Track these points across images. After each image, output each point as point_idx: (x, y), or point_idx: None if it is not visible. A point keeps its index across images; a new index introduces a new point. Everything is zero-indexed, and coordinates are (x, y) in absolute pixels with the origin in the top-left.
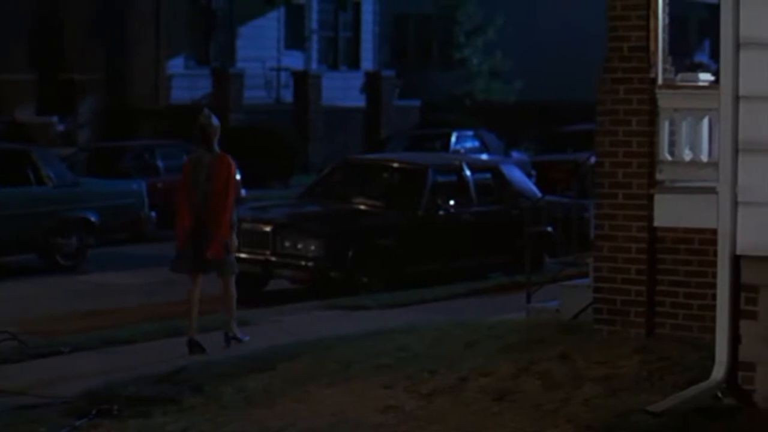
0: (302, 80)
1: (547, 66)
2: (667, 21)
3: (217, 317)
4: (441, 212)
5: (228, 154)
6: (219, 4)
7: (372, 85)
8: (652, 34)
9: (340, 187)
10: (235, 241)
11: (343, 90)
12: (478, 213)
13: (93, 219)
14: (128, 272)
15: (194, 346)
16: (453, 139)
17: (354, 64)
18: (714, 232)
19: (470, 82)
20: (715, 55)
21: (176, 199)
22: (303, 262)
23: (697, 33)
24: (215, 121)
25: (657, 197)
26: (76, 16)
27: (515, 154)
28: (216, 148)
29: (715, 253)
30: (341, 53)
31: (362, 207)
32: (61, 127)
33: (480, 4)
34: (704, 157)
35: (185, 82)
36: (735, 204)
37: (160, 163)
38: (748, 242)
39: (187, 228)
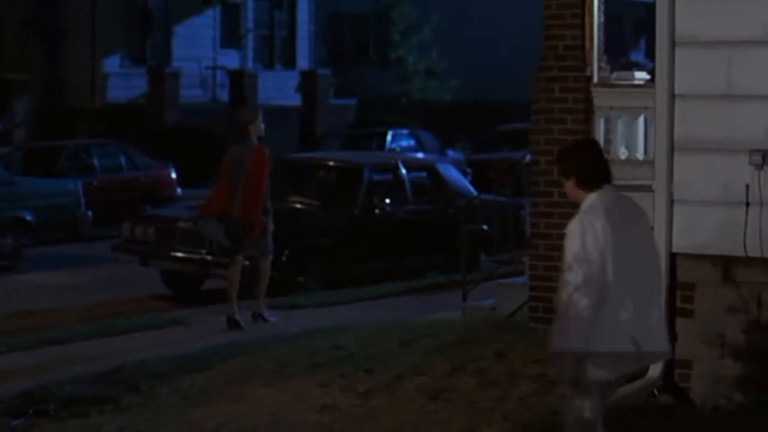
0: (238, 79)
1: (482, 65)
2: (602, 19)
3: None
4: (377, 211)
5: (264, 147)
6: (155, 3)
7: (308, 83)
8: (587, 33)
9: (277, 185)
10: (271, 226)
11: (279, 89)
12: (414, 212)
13: (29, 218)
14: (64, 272)
15: (233, 324)
16: (389, 137)
17: (290, 62)
18: None
19: (406, 81)
20: (650, 54)
21: (216, 185)
22: None
23: (633, 32)
24: (261, 120)
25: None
26: (11, 15)
27: (451, 153)
28: (254, 141)
29: None
30: (277, 52)
31: (298, 206)
32: None
33: (415, 3)
34: (640, 156)
35: (121, 81)
36: (671, 202)
37: (96, 162)
38: (684, 240)
39: (214, 210)
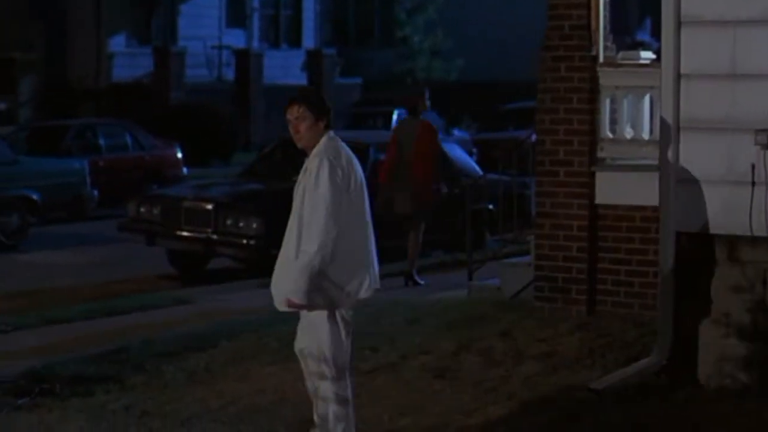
0: (243, 58)
1: (487, 44)
2: None
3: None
4: None
5: (429, 121)
6: None
7: (313, 63)
8: (593, 12)
9: (281, 165)
10: (440, 202)
11: (284, 68)
12: None
13: (34, 197)
14: (70, 251)
15: (411, 280)
16: (394, 117)
17: (295, 42)
18: (655, 209)
19: (411, 61)
20: (656, 33)
21: (385, 156)
22: (244, 240)
23: (639, 11)
24: (427, 98)
25: (598, 175)
26: None
27: (456, 133)
28: (421, 117)
29: (656, 231)
30: (282, 31)
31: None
32: (1, 106)
33: None
34: (645, 135)
35: (126, 60)
36: (676, 181)
37: (101, 142)
38: (690, 220)
39: (384, 181)
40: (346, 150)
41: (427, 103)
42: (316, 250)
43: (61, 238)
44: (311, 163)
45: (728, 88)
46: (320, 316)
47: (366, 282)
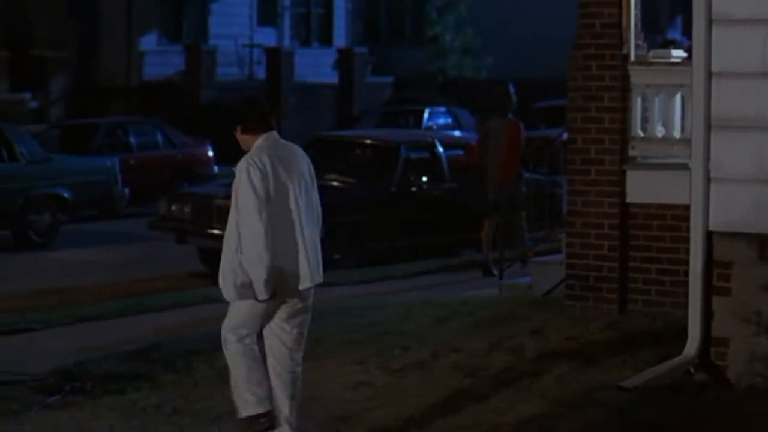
0: (275, 57)
1: (518, 42)
2: None
3: None
4: (413, 189)
5: (517, 120)
6: None
7: (344, 61)
8: (624, 11)
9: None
10: (522, 190)
11: (315, 66)
12: (450, 189)
13: (65, 195)
14: (101, 249)
15: (487, 273)
16: (426, 115)
17: (326, 40)
18: (686, 208)
19: (442, 59)
20: (687, 32)
21: (472, 151)
22: None
23: (670, 9)
24: (513, 95)
25: (629, 173)
26: None
27: None
28: (509, 115)
29: (687, 229)
30: (314, 30)
31: (335, 183)
32: (33, 104)
33: None
34: (677, 134)
35: (157, 58)
36: (707, 180)
37: (132, 140)
38: (721, 218)
39: (475, 162)
40: (280, 149)
41: (513, 98)
42: (248, 248)
43: (91, 236)
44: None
45: (759, 86)
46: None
47: (301, 273)
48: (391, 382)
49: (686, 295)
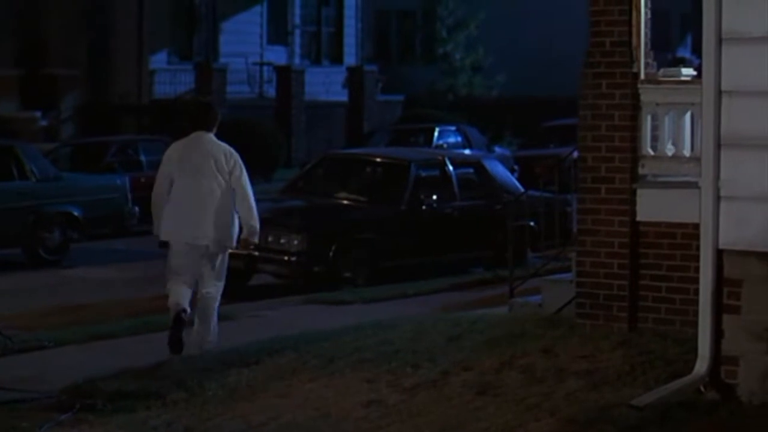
0: (285, 75)
1: (528, 61)
2: (649, 16)
3: None
4: (424, 207)
5: None
6: None
7: (355, 79)
8: (634, 29)
9: (323, 181)
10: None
11: (325, 85)
12: (460, 208)
13: (76, 213)
14: (112, 267)
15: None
16: (436, 134)
17: (337, 59)
18: (696, 226)
19: (452, 77)
20: (697, 50)
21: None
22: (286, 257)
23: (680, 28)
24: None
25: (639, 192)
26: (59, 12)
27: (498, 149)
28: None
29: (697, 248)
30: (324, 48)
31: (345, 202)
32: (44, 122)
33: None
34: (687, 152)
35: (168, 77)
36: (717, 198)
37: (143, 158)
38: (731, 237)
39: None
40: (188, 143)
41: None
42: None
43: (102, 254)
44: None
45: None
46: None
47: (185, 230)
48: (402, 400)
49: (696, 313)
